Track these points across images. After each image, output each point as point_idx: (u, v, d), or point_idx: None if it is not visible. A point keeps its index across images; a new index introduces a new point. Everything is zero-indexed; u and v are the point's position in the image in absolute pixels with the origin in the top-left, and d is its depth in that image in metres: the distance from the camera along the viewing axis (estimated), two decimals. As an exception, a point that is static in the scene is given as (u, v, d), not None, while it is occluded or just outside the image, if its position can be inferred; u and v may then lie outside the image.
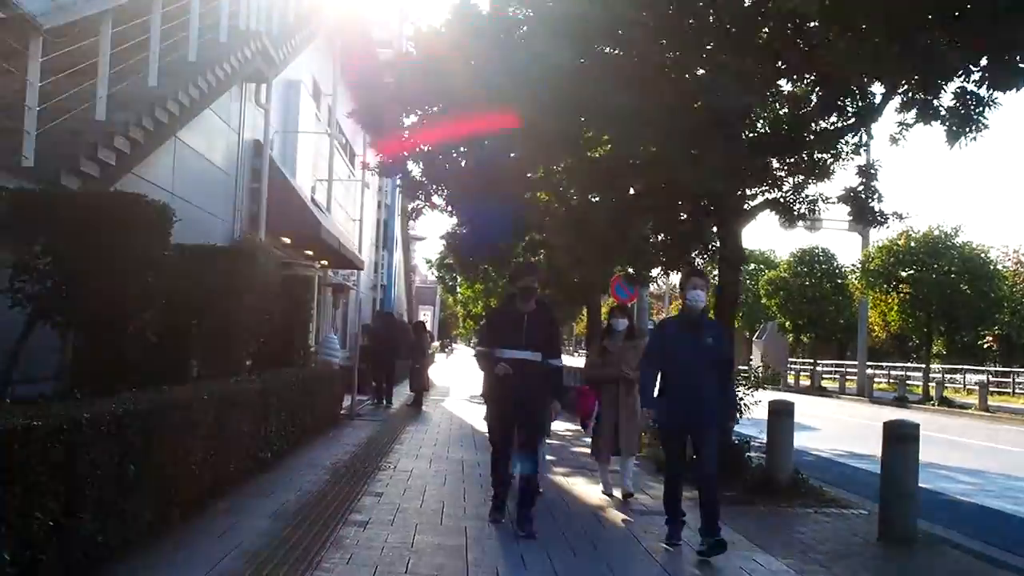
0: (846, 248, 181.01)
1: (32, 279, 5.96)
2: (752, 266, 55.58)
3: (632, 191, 12.18)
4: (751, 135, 9.84)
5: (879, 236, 34.63)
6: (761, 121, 9.95)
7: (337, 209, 22.72)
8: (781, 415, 10.10)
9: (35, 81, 7.31)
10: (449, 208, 11.96)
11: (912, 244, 33.39)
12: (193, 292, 10.00)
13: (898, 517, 7.40)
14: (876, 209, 9.60)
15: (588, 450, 12.05)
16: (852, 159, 10.38)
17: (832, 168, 9.83)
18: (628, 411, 8.93)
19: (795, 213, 11.24)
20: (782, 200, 11.20)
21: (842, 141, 9.57)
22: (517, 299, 7.23)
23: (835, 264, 46.62)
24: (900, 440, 7.48)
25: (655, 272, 14.88)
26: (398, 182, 24.69)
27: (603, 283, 17.58)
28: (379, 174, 12.72)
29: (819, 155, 9.74)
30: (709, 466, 6.84)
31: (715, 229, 13.12)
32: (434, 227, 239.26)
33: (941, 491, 11.40)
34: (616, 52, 8.65)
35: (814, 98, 9.62)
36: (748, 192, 11.41)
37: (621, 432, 8.97)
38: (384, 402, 19.49)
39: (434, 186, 11.34)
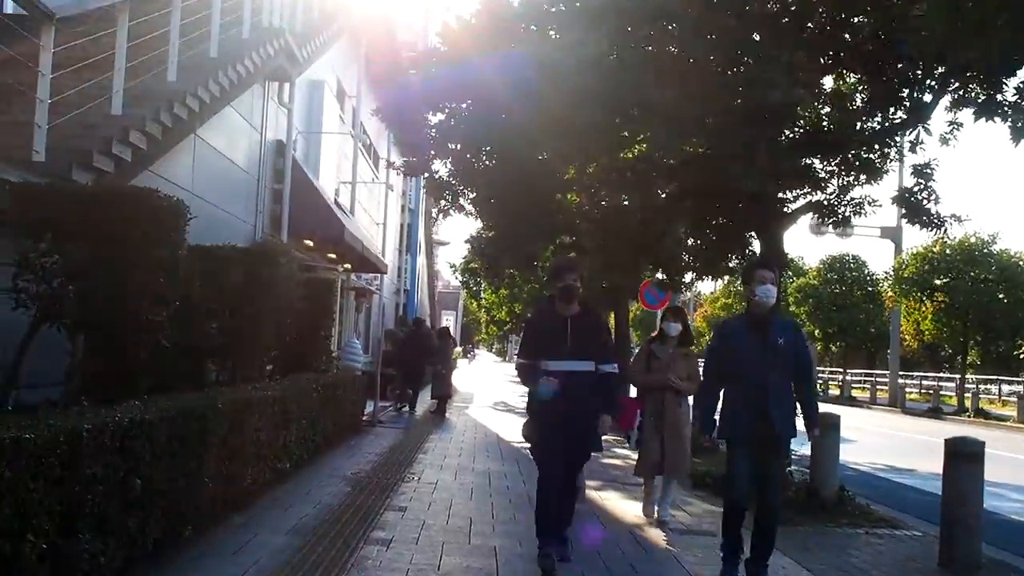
0: (877, 255, 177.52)
1: (37, 278, 5.58)
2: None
3: (666, 193, 11.71)
4: (796, 133, 9.34)
5: (913, 243, 33.90)
6: (803, 119, 9.41)
7: (361, 212, 22.39)
8: (826, 428, 9.59)
9: (47, 72, 6.97)
10: (476, 210, 11.51)
11: (948, 251, 32.57)
12: (211, 294, 9.72)
13: (962, 541, 6.86)
14: (933, 211, 9.04)
15: (621, 462, 11.55)
16: (898, 160, 9.88)
17: (884, 168, 9.27)
18: (675, 426, 8.09)
19: (839, 216, 10.74)
20: (826, 203, 10.70)
21: (893, 139, 9.01)
22: (557, 301, 6.22)
23: (866, 271, 45.81)
24: (965, 459, 6.96)
25: (688, 277, 14.41)
26: (423, 183, 24.35)
27: (632, 289, 17.12)
28: (404, 174, 12.31)
29: (868, 155, 9.19)
30: (773, 496, 5.88)
31: (753, 233, 12.68)
32: (458, 232, 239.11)
33: (995, 510, 10.82)
34: (655, 45, 8.17)
35: (858, 96, 9.14)
36: (789, 195, 10.94)
37: (667, 449, 8.08)
38: (409, 409, 19.11)
39: (461, 186, 10.92)
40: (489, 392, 31.34)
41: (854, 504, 9.43)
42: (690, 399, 7.94)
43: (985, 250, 32.86)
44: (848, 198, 10.73)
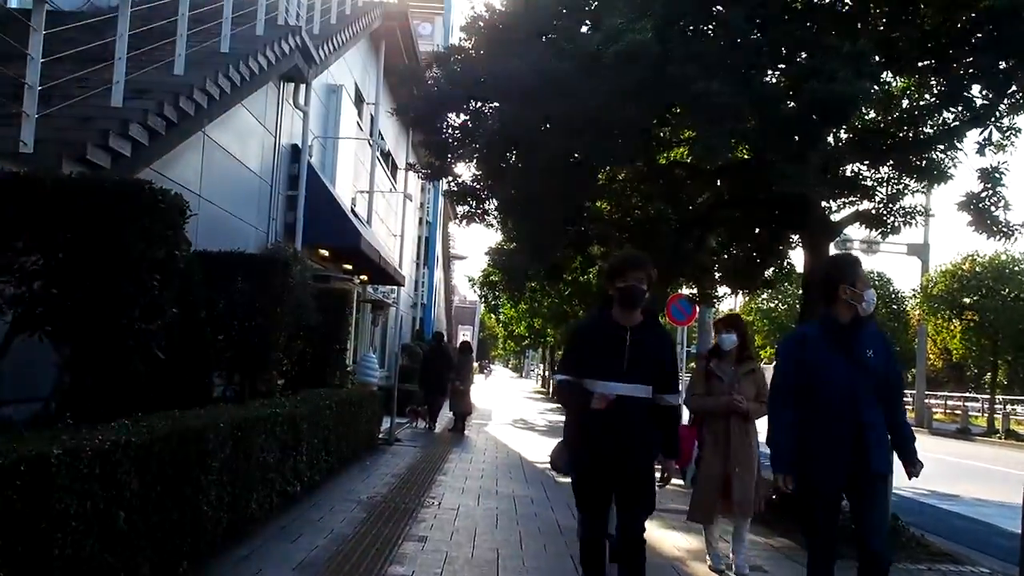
0: (903, 272, 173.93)
1: (15, 280, 4.95)
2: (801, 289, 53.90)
3: (702, 201, 11.02)
4: (852, 134, 8.65)
5: (940, 260, 33.09)
6: (860, 118, 8.69)
7: (378, 223, 21.81)
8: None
9: (37, 56, 6.37)
10: (499, 217, 10.84)
11: (978, 269, 31.71)
12: (217, 303, 9.13)
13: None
14: (1002, 219, 8.28)
15: (668, 488, 10.86)
16: (957, 161, 9.15)
17: (949, 172, 8.49)
18: (743, 457, 6.66)
19: (888, 226, 10.03)
20: (874, 212, 10.00)
21: (960, 139, 8.27)
22: (616, 307, 4.81)
23: (891, 289, 44.85)
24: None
25: (720, 291, 13.69)
26: (441, 193, 23.71)
27: (661, 303, 16.40)
28: (425, 176, 11.62)
29: (928, 156, 8.46)
30: (877, 540, 4.65)
31: (787, 245, 11.98)
32: (476, 245, 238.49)
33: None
34: (704, 35, 7.51)
35: (905, 100, 8.46)
36: (833, 204, 10.26)
37: (734, 485, 6.64)
38: (429, 425, 18.49)
39: (485, 191, 10.27)
40: (507, 409, 30.61)
41: (908, 535, 8.69)
42: (759, 425, 6.62)
43: (1016, 268, 31.97)
44: (897, 207, 10.02)
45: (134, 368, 5.14)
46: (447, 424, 18.99)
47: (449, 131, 9.48)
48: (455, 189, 10.64)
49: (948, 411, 42.12)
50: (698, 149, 7.09)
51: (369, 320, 22.84)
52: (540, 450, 15.49)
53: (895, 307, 44.02)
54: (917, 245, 36.69)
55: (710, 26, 7.44)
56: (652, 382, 4.75)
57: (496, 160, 8.99)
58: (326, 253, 15.62)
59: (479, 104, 9.40)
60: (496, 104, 8.40)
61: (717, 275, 12.97)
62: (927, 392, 40.40)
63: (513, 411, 29.35)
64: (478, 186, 10.23)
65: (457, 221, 11.22)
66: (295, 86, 13.63)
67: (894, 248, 36.73)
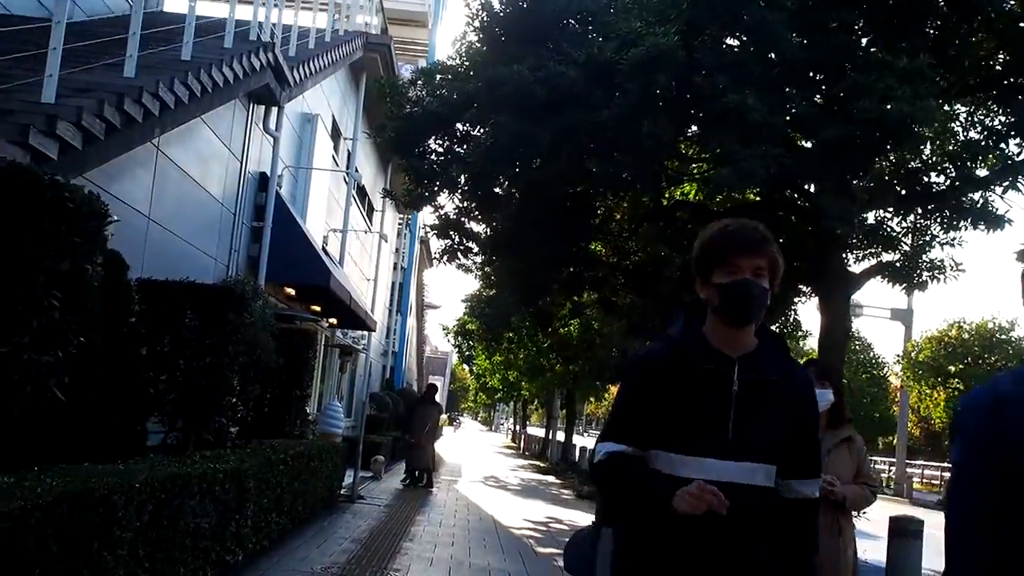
0: (882, 337, 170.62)
1: None
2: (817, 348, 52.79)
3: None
4: (888, 172, 7.73)
5: (926, 326, 32.48)
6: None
7: (351, 265, 20.71)
8: (906, 536, 7.84)
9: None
10: (486, 253, 9.77)
11: (965, 336, 31.07)
12: (162, 338, 8.04)
13: None
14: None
15: None
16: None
17: (1005, 216, 7.44)
18: (831, 570, 4.42)
19: (914, 281, 9.09)
20: (899, 264, 9.06)
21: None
22: (713, 322, 2.60)
23: (871, 354, 44.11)
24: None
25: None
26: (420, 226, 22.60)
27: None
28: (406, 205, 10.55)
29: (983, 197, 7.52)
30: None
31: (791, 299, 11.05)
32: (449, 294, 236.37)
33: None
34: (738, 43, 6.59)
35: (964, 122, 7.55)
36: (850, 255, 9.34)
37: None
38: (427, 483, 17.38)
39: (471, 223, 9.23)
40: (478, 464, 29.33)
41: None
42: (855, 516, 4.98)
43: (1004, 336, 31.37)
44: (924, 260, 9.10)
45: (16, 412, 3.99)
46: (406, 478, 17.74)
47: (433, 155, 8.46)
48: (436, 222, 9.57)
49: (925, 480, 41.17)
50: (726, 176, 6.08)
51: (337, 366, 21.62)
52: (515, 513, 14.30)
53: (874, 372, 43.21)
54: (901, 310, 36.12)
55: (741, 33, 6.51)
56: (777, 458, 2.58)
57: (486, 186, 7.96)
58: (292, 292, 14.49)
59: (466, 127, 8.40)
60: (491, 121, 7.34)
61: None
62: (906, 460, 39.51)
63: (484, 467, 28.08)
64: (463, 218, 9.19)
65: (437, 257, 10.14)
66: (266, 109, 12.60)
67: (877, 312, 36.19)
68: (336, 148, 18.52)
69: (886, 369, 42.19)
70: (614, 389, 43.14)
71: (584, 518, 14.47)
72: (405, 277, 36.43)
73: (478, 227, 9.32)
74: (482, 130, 7.23)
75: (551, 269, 8.68)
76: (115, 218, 4.91)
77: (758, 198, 9.13)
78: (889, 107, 5.43)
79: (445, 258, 9.97)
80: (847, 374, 43.46)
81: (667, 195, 9.45)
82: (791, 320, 11.09)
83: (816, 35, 6.14)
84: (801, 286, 10.00)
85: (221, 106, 10.20)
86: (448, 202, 9.07)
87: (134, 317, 7.05)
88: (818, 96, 6.56)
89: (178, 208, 9.80)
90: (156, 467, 5.30)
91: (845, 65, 6.21)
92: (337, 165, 18.69)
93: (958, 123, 8.28)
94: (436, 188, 8.81)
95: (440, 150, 8.73)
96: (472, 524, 12.61)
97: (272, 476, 8.18)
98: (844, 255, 8.90)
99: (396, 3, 28.45)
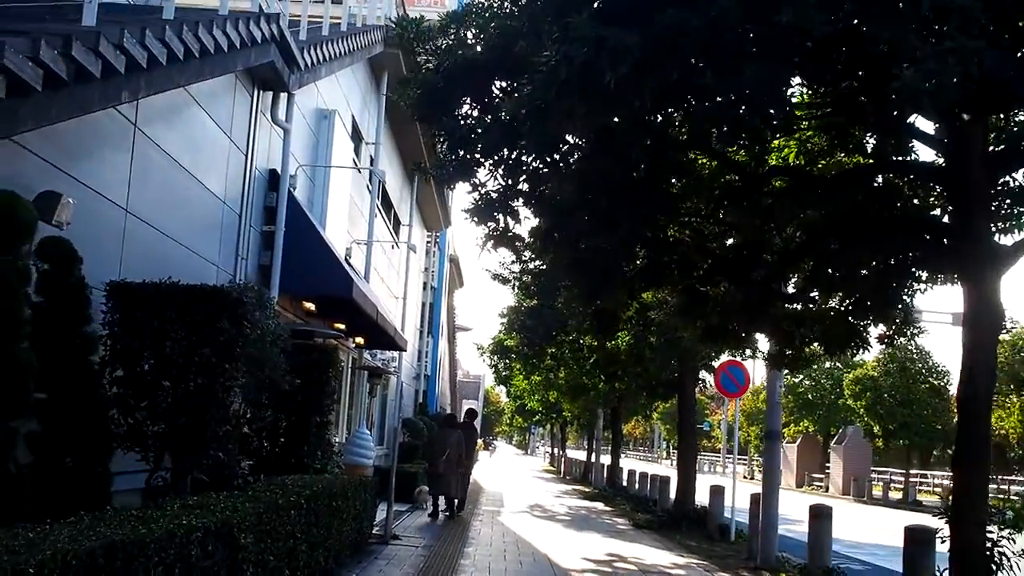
0: (943, 345, 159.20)
1: None
2: (828, 364, 50.34)
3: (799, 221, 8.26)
4: None
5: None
6: None
7: (377, 281, 19.08)
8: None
9: None
10: (540, 238, 7.99)
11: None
12: (142, 354, 6.49)
13: None
14: None
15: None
16: None
17: None
18: None
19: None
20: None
21: None
22: None
23: (931, 362, 41.59)
24: None
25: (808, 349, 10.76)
26: (447, 256, 21.07)
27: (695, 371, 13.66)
28: (440, 180, 8.82)
29: None
30: None
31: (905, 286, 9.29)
32: (480, 316, 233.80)
33: None
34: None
35: None
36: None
37: None
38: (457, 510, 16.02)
39: (520, 200, 7.52)
40: (519, 491, 27.50)
41: None
42: None
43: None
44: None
45: None
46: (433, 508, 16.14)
47: (471, 120, 6.77)
48: (478, 202, 7.77)
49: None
50: (910, 78, 4.32)
51: (366, 390, 19.95)
52: (570, 550, 12.49)
53: (934, 382, 40.74)
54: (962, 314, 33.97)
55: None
56: None
57: (545, 148, 6.23)
58: (312, 307, 12.85)
59: (514, 83, 6.69)
60: (554, 35, 5.45)
61: (800, 329, 10.07)
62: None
63: (526, 494, 26.25)
64: (510, 197, 7.45)
65: (482, 245, 8.38)
66: (274, 96, 10.99)
67: (938, 318, 34.00)
68: (357, 152, 16.93)
69: (947, 379, 39.65)
70: (663, 407, 40.84)
71: (650, 553, 12.64)
72: (436, 297, 34.87)
73: (525, 211, 7.65)
74: (544, 54, 5.43)
75: (624, 255, 6.96)
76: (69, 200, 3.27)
77: (870, 160, 7.34)
78: None
79: (490, 245, 8.22)
80: (904, 384, 41.09)
81: (756, 162, 7.68)
82: (900, 315, 9.24)
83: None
84: (917, 270, 8.18)
85: (213, 79, 8.58)
86: (490, 178, 7.37)
87: (88, 324, 5.44)
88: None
89: (165, 202, 8.19)
90: (85, 530, 3.59)
91: None
92: (360, 172, 17.12)
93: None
94: (478, 155, 7.10)
95: (475, 114, 7.04)
96: (525, 566, 10.83)
97: (281, 525, 6.47)
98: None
99: None
